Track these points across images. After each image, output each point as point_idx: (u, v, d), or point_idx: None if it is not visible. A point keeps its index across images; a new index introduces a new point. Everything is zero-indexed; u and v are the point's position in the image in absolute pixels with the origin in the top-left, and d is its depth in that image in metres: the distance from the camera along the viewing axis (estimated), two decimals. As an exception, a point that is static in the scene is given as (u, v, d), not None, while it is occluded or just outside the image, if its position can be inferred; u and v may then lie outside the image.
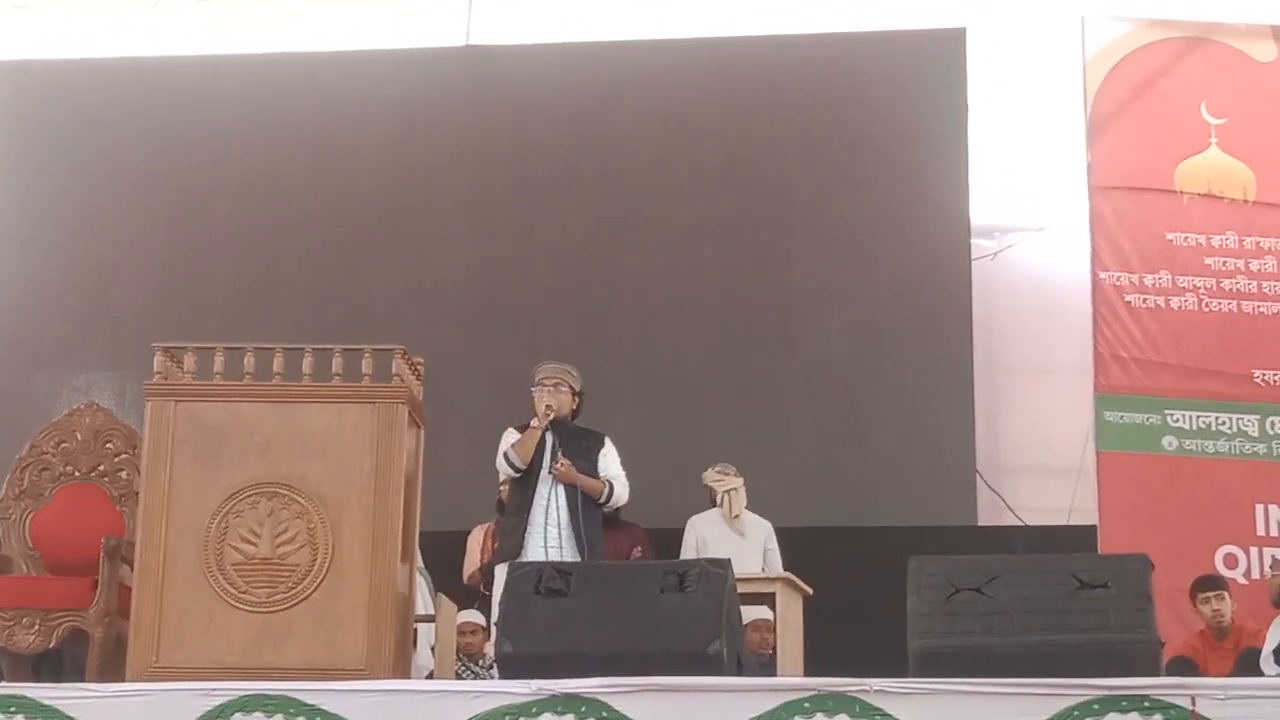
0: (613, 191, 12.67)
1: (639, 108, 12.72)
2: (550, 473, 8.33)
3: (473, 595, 9.86)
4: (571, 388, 8.51)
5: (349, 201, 12.77)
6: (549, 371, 8.52)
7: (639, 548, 9.73)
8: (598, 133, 12.74)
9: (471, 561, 10.04)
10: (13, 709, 6.36)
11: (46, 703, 6.37)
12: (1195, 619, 9.75)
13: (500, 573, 8.17)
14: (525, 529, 8.29)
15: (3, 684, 6.70)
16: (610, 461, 8.51)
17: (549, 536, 8.26)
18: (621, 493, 8.49)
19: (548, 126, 12.74)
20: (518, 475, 8.38)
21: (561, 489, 8.33)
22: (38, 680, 7.12)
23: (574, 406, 8.53)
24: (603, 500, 8.43)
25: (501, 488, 9.79)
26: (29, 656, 7.46)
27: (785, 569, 9.36)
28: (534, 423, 8.37)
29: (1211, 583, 9.79)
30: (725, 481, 9.76)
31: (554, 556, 8.03)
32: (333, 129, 12.85)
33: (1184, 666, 8.89)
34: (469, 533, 10.13)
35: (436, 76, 12.95)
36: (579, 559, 8.11)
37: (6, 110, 13.24)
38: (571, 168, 12.71)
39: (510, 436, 8.46)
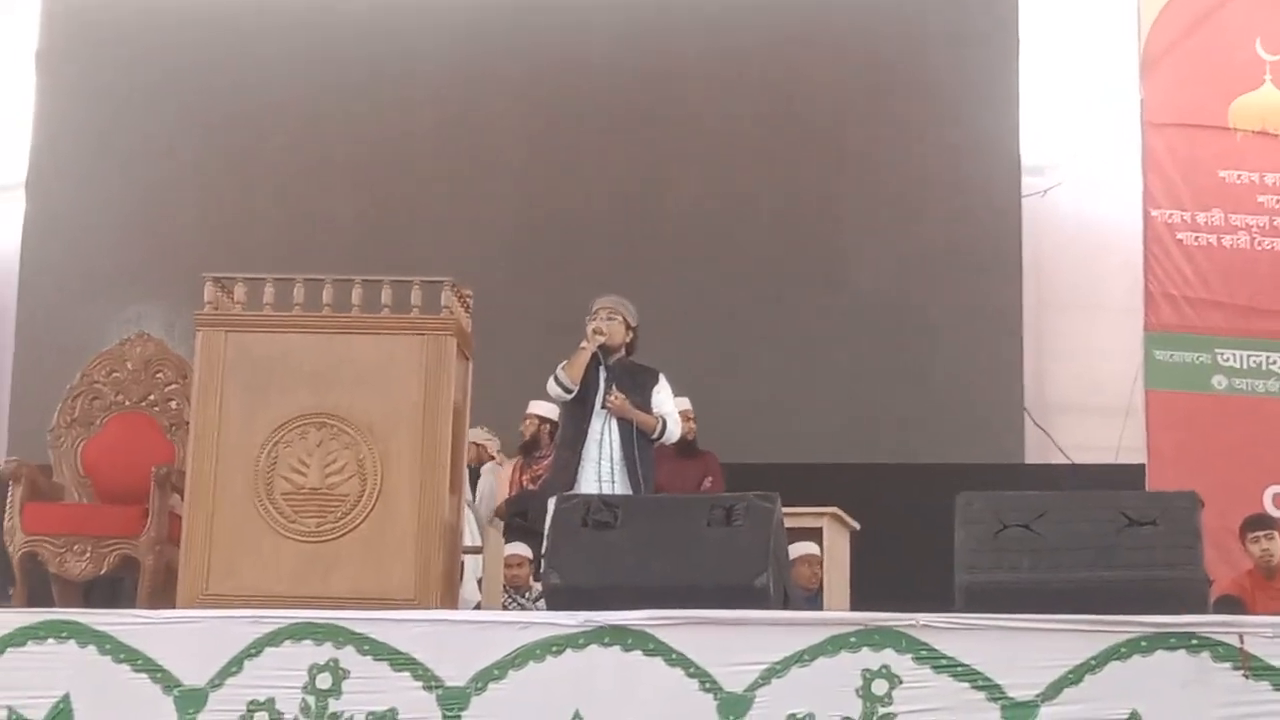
0: (663, 129, 12.65)
1: (689, 46, 12.67)
2: (604, 407, 8.31)
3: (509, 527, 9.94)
4: (625, 321, 8.47)
5: (400, 137, 12.78)
6: (605, 302, 8.49)
7: (710, 478, 9.75)
8: (648, 71, 12.70)
9: (500, 494, 10.13)
10: (65, 634, 6.44)
11: (98, 629, 6.44)
12: (1243, 559, 9.69)
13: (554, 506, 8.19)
14: (579, 463, 8.26)
15: (55, 610, 6.75)
16: (664, 399, 8.47)
17: (602, 471, 8.23)
18: (674, 430, 8.46)
19: (598, 63, 12.70)
20: (569, 398, 8.32)
21: (615, 424, 8.30)
22: (88, 607, 7.18)
23: (626, 340, 8.49)
24: (655, 436, 8.41)
25: (521, 429, 9.91)
26: (80, 583, 7.54)
27: (833, 504, 9.35)
28: (582, 344, 8.34)
29: (1261, 522, 9.72)
30: (495, 442, 10.30)
31: (606, 491, 8.02)
32: (385, 65, 12.84)
33: (1232, 605, 8.85)
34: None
35: (486, 12, 12.91)
36: (632, 494, 8.10)
37: (60, 45, 13.26)
38: (622, 106, 12.68)
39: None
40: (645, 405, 8.39)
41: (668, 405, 8.47)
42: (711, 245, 12.35)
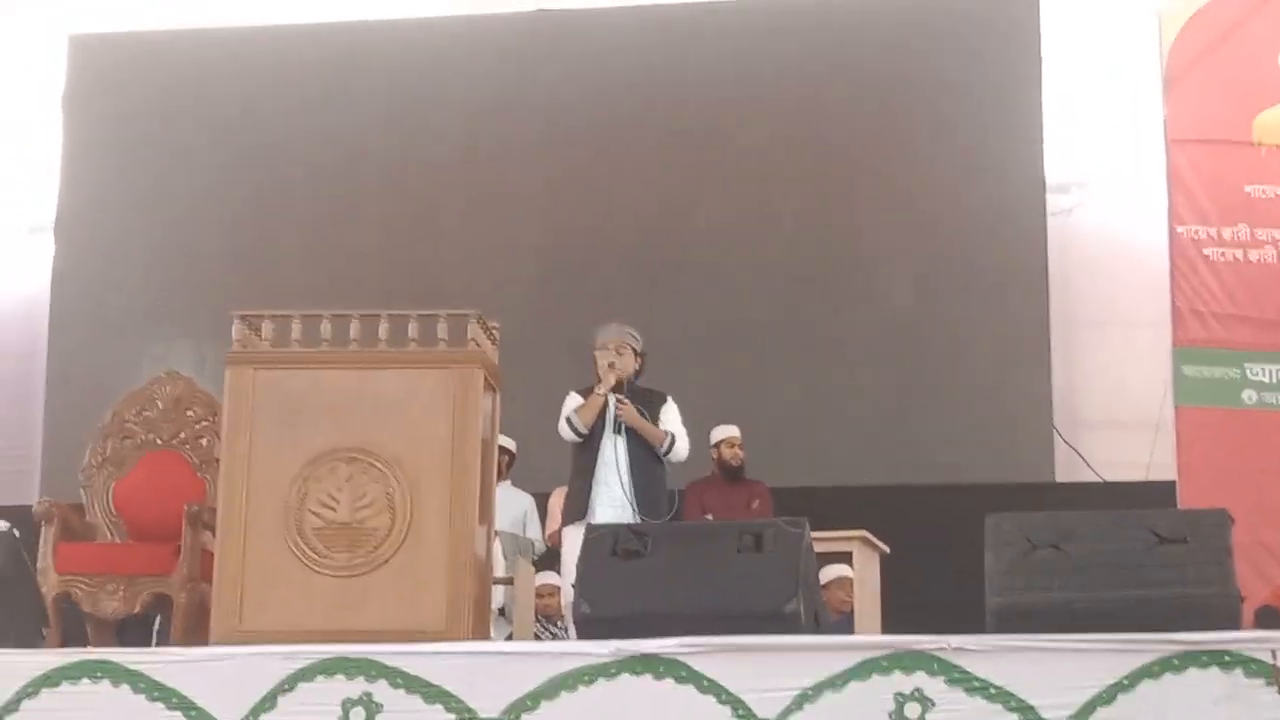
0: (684, 151, 12.67)
1: (709, 66, 12.68)
2: (614, 413, 8.34)
3: (554, 557, 9.94)
4: (634, 349, 8.56)
5: (423, 169, 12.82)
6: (612, 335, 8.56)
7: (757, 501, 9.77)
8: (668, 94, 12.73)
9: (553, 521, 10.14)
10: (99, 674, 6.43)
11: (132, 667, 6.43)
12: (1277, 574, 9.69)
13: (569, 535, 8.23)
14: (590, 490, 8.34)
15: (88, 649, 6.77)
16: (672, 418, 8.55)
17: (615, 496, 8.31)
18: (682, 446, 8.53)
19: (618, 89, 12.74)
20: (580, 440, 8.42)
21: (624, 449, 8.37)
22: (122, 645, 7.20)
23: (636, 367, 8.56)
24: (664, 451, 8.46)
25: None
26: (114, 622, 7.59)
27: (862, 527, 9.35)
28: (598, 389, 8.41)
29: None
30: None
31: (622, 516, 8.07)
32: (405, 96, 12.91)
33: (1272, 617, 8.84)
34: (548, 495, 10.22)
35: (507, 42, 12.95)
36: (645, 518, 8.13)
37: (84, 83, 13.33)
38: (642, 129, 12.71)
39: (573, 400, 8.52)
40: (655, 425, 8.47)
41: (676, 424, 8.53)
42: (734, 267, 12.36)
